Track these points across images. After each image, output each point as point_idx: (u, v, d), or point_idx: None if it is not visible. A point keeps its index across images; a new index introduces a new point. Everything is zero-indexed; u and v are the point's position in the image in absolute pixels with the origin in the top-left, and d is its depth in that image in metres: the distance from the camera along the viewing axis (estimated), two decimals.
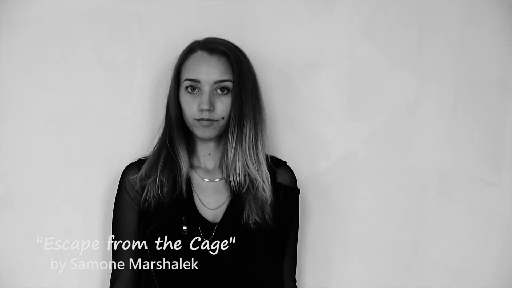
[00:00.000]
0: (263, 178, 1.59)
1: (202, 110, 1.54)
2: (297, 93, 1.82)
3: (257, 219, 1.56)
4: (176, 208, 1.56)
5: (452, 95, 1.84)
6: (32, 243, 1.71)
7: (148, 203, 1.56)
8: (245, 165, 1.58)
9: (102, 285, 1.74)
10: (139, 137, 1.76)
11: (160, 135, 1.65)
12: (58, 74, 1.72)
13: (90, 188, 1.74)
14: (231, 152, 1.57)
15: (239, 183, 1.58)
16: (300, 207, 1.71)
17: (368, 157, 1.85)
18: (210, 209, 1.59)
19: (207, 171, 1.64)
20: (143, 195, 1.57)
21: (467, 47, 1.84)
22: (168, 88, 1.64)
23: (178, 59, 1.62)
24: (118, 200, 1.63)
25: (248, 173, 1.58)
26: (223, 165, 1.61)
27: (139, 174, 1.60)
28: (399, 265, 1.86)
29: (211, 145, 1.63)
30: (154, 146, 1.65)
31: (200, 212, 1.58)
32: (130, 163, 1.65)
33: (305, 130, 1.84)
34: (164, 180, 1.57)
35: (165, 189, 1.56)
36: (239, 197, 1.59)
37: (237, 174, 1.57)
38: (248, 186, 1.58)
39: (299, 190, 1.67)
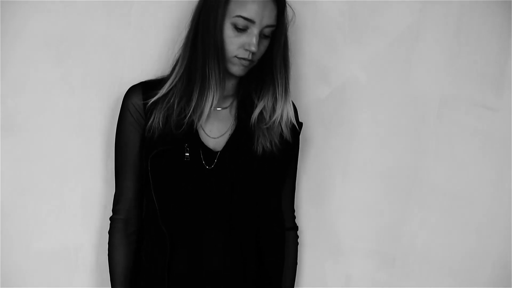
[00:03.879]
0: (290, 120, 1.62)
1: (246, 50, 1.53)
2: (297, 18, 1.79)
3: (268, 146, 1.57)
4: (179, 135, 1.55)
5: (455, 19, 1.82)
6: (32, 166, 1.73)
7: (153, 131, 1.56)
8: (289, 112, 1.61)
9: (104, 207, 1.76)
10: (138, 62, 1.74)
11: (180, 61, 1.59)
12: None
13: (90, 114, 1.74)
14: (281, 100, 1.59)
15: (260, 119, 1.60)
16: (301, 135, 1.72)
17: (369, 83, 1.84)
18: (212, 137, 1.60)
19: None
20: (149, 123, 1.57)
21: None
22: (193, 13, 1.58)
23: None
24: (120, 122, 1.62)
25: (288, 118, 1.61)
26: (268, 108, 1.60)
27: (155, 97, 1.57)
28: (398, 190, 1.87)
29: (226, 76, 1.61)
30: (173, 71, 1.60)
31: (202, 140, 1.58)
32: (133, 85, 1.63)
33: (305, 56, 1.82)
34: (177, 110, 1.56)
35: (172, 120, 1.56)
36: (243, 126, 1.60)
37: (279, 119, 1.60)
38: (268, 121, 1.60)
39: (301, 124, 1.68)
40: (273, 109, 1.60)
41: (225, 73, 1.58)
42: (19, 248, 1.73)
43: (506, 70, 1.83)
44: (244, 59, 1.54)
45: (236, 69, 1.56)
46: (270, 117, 1.60)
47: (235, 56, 1.54)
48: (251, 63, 1.56)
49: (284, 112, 1.60)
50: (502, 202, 1.87)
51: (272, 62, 1.59)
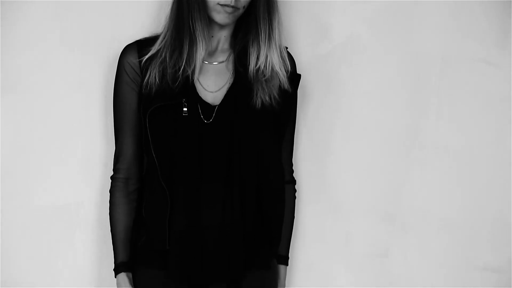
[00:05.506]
0: (286, 70, 1.61)
1: None
2: None
3: (267, 99, 1.56)
4: (177, 90, 1.55)
5: None
6: (32, 124, 1.73)
7: (150, 87, 1.56)
8: (272, 58, 1.58)
9: (105, 165, 1.77)
10: (138, 18, 1.73)
11: (169, 14, 1.59)
12: None
13: (90, 71, 1.74)
14: (264, 46, 1.57)
15: (258, 71, 1.58)
16: (301, 91, 1.71)
17: (371, 39, 1.83)
18: (209, 91, 1.59)
19: (207, 52, 1.62)
20: (145, 79, 1.56)
21: None
22: None
23: None
24: (117, 81, 1.62)
25: (271, 64, 1.59)
26: (250, 55, 1.59)
27: (148, 54, 1.57)
28: (399, 148, 1.87)
29: (216, 27, 1.61)
30: (164, 25, 1.61)
31: (199, 94, 1.58)
32: (128, 43, 1.63)
33: (306, 12, 1.81)
34: (171, 63, 1.55)
35: (168, 73, 1.55)
36: (241, 80, 1.59)
37: (263, 66, 1.58)
38: (266, 74, 1.58)
39: (299, 75, 1.67)
40: (257, 57, 1.59)
41: (212, 24, 1.58)
42: (20, 205, 1.74)
43: (508, 27, 1.81)
44: (226, 5, 1.52)
45: (220, 17, 1.55)
46: (262, 66, 1.59)
47: (218, 3, 1.52)
48: (235, 10, 1.54)
49: (268, 59, 1.59)
50: (503, 160, 1.87)
51: (256, 7, 1.58)
